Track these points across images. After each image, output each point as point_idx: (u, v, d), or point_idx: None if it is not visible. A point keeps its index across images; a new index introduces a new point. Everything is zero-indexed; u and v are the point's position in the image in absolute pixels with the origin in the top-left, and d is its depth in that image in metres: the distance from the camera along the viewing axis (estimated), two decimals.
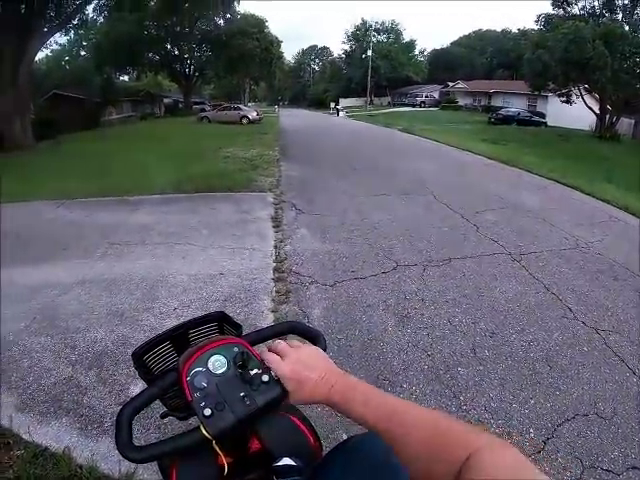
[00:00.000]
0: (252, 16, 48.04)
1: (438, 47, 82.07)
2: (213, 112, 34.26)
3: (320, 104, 68.54)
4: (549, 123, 35.73)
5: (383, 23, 74.22)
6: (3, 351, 3.32)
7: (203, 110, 39.66)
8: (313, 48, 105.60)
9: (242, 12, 47.53)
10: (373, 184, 9.10)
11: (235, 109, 32.97)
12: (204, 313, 1.19)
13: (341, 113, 46.67)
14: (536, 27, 31.07)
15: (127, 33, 37.04)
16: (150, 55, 46.04)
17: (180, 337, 1.14)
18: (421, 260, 4.99)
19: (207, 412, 0.83)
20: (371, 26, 71.57)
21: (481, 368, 3.18)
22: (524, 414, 2.75)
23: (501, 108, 39.06)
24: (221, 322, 1.18)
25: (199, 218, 6.54)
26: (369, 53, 60.44)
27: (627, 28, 24.38)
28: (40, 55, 38.91)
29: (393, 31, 74.62)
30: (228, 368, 0.90)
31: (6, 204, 7.48)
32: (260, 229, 6.05)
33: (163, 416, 1.11)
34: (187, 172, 9.90)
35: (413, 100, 60.63)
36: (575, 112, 31.00)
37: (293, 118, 39.62)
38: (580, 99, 28.38)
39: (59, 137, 22.23)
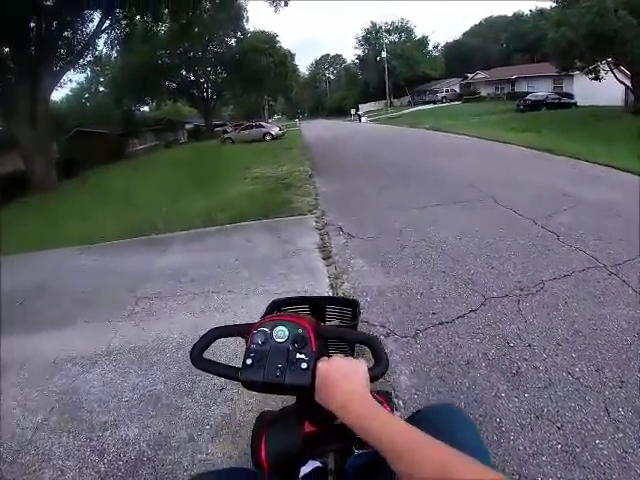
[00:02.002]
0: (262, 32, 48.05)
1: (451, 40, 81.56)
2: (235, 132, 33.97)
3: (339, 112, 69.10)
4: (579, 103, 34.04)
5: (393, 23, 73.48)
6: (22, 455, 2.68)
7: (225, 132, 39.73)
8: (326, 57, 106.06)
9: (252, 29, 47.67)
10: (418, 193, 8.20)
11: (257, 127, 32.69)
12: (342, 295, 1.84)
13: (363, 119, 46.17)
14: (554, 4, 29.38)
15: (141, 64, 37.41)
16: (167, 84, 46.56)
17: (318, 307, 1.42)
18: (511, 288, 4.03)
19: (249, 361, 0.98)
20: (381, 27, 70.89)
21: (621, 435, 2.30)
22: None
23: (527, 94, 37.28)
24: (355, 309, 1.42)
25: (236, 254, 5.75)
26: (383, 54, 59.87)
27: None
28: (60, 95, 39.77)
29: (404, 30, 73.61)
30: (285, 341, 1.00)
31: (22, 253, 7.08)
32: (308, 263, 5.20)
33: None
34: (217, 199, 9.27)
35: (434, 97, 59.60)
36: (603, 88, 29.28)
37: (315, 129, 39.17)
38: (609, 74, 26.56)
39: (84, 174, 22.32)
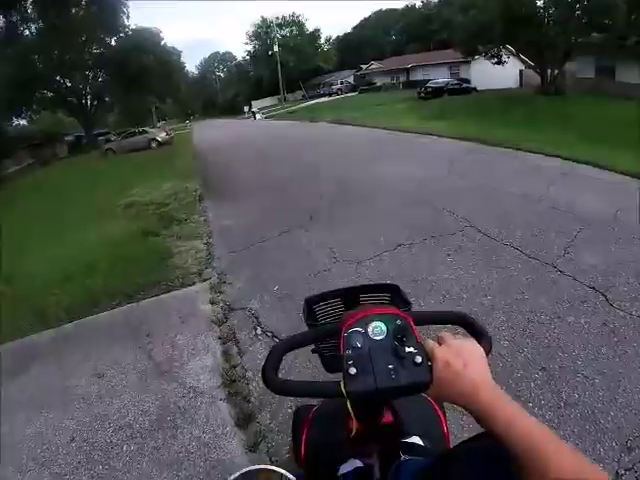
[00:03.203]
0: (146, 30, 43.08)
1: (342, 34, 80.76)
2: (117, 142, 29.74)
3: (232, 110, 67.75)
4: (477, 88, 34.17)
5: (284, 17, 70.96)
6: None
7: (109, 141, 34.85)
8: (215, 55, 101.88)
9: (134, 27, 42.43)
10: (364, 222, 5.80)
11: (141, 133, 28.79)
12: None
13: (258, 115, 44.11)
14: None
15: (9, 72, 31.78)
16: (42, 92, 40.58)
17: (351, 298, 1.21)
18: None
19: (352, 371, 0.83)
20: (272, 22, 67.75)
21: None
22: None
23: (424, 81, 36.97)
24: (393, 294, 1.21)
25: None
26: (275, 49, 56.96)
27: None
28: None
29: (295, 23, 71.27)
30: (385, 337, 0.87)
31: None
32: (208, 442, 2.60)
33: (314, 351, 1.16)
34: (65, 255, 6.28)
35: (329, 89, 57.77)
36: (497, 73, 30.18)
37: (207, 131, 36.23)
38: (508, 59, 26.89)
39: None
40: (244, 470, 0.89)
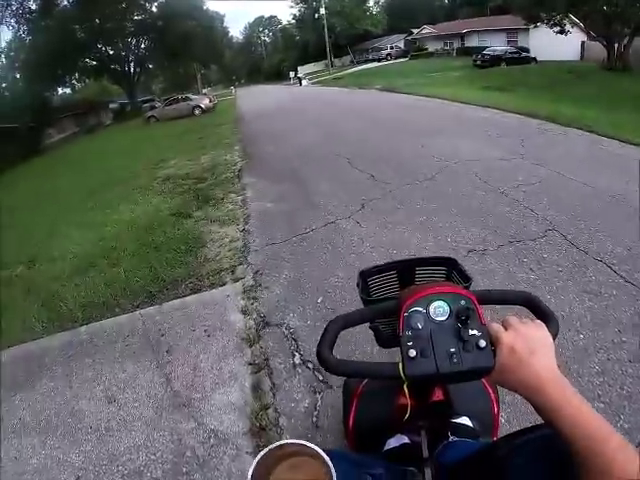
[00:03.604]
0: None
1: None
2: (160, 109, 29.41)
3: (278, 76, 67.06)
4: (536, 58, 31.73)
5: None
6: None
7: (153, 108, 34.64)
8: (260, 19, 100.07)
9: None
10: (432, 217, 4.81)
11: (184, 100, 28.32)
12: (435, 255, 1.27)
13: (304, 81, 42.71)
14: None
15: (53, 42, 31.77)
16: (85, 61, 40.65)
17: (406, 271, 1.20)
18: None
19: (412, 353, 0.80)
20: None
21: None
22: None
23: (480, 48, 34.87)
24: (451, 269, 1.18)
25: None
26: (322, 11, 55.18)
27: None
28: None
29: None
30: (447, 318, 0.83)
31: None
32: None
33: (371, 328, 1.17)
34: (91, 250, 5.68)
35: (378, 54, 55.98)
36: (558, 43, 28.10)
37: (252, 97, 35.10)
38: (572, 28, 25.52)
39: None
40: (272, 446, 0.72)
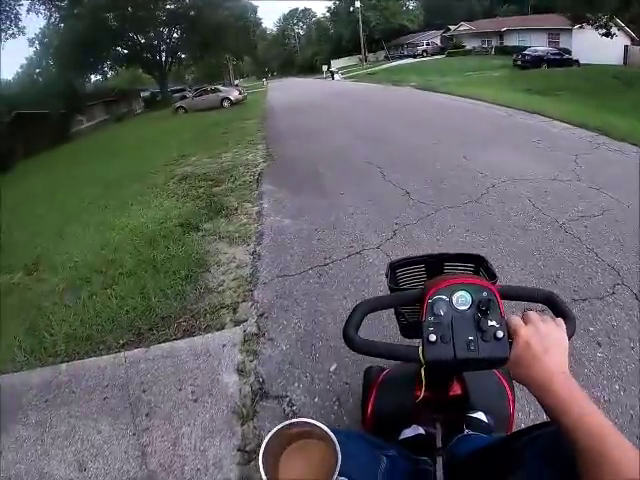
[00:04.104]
0: None
1: None
2: (189, 100, 29.04)
3: (311, 69, 66.73)
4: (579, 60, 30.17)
5: None
6: None
7: (184, 98, 34.36)
8: (295, 12, 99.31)
9: None
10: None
11: (213, 92, 27.99)
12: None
13: (336, 76, 42.05)
14: None
15: (84, 30, 31.84)
16: (117, 49, 40.77)
17: (435, 265, 1.23)
18: None
19: (432, 338, 0.84)
20: None
21: None
22: None
23: (518, 48, 33.90)
24: (478, 266, 1.24)
25: None
26: (357, 4, 54.26)
27: None
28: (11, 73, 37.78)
29: None
30: (469, 308, 0.87)
31: None
32: None
33: (396, 313, 1.25)
34: (90, 263, 5.11)
35: (413, 50, 54.52)
36: (601, 46, 27.33)
37: (282, 91, 34.53)
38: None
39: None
40: (282, 425, 0.76)
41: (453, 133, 9.36)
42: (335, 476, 0.67)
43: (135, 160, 11.74)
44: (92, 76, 45.25)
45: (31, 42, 36.63)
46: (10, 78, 45.39)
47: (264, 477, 0.69)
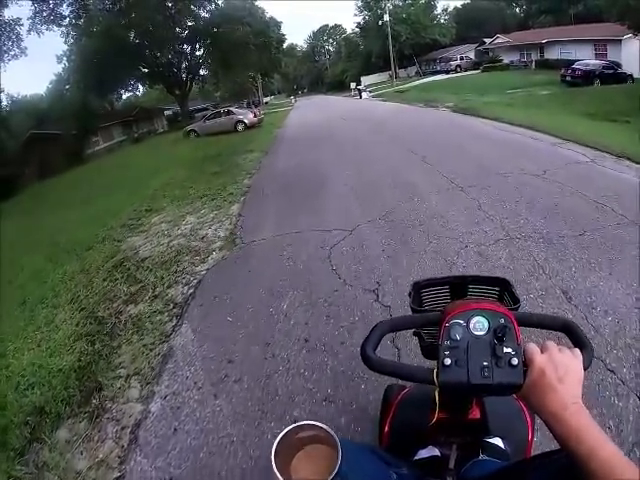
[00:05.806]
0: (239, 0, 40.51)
1: (460, 5, 72.06)
2: (200, 123, 26.87)
3: (341, 86, 65.79)
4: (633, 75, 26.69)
5: None
6: None
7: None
8: (325, 28, 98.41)
9: None
10: None
11: (226, 114, 25.92)
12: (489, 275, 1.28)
13: (364, 94, 39.45)
14: None
15: (100, 48, 30.84)
16: (138, 68, 39.46)
17: (459, 287, 1.24)
18: None
19: (447, 361, 0.84)
20: None
21: None
22: None
23: (562, 62, 30.63)
24: (503, 289, 1.21)
25: None
26: (386, 18, 51.83)
27: None
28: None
29: None
30: (486, 334, 0.87)
31: None
32: None
33: (415, 334, 1.23)
34: None
35: (446, 66, 51.44)
36: None
37: (306, 110, 33.05)
38: None
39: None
40: (292, 426, 0.77)
41: (511, 190, 6.07)
42: (333, 475, 0.68)
43: (90, 216, 9.53)
44: (123, 94, 45.03)
45: (59, 59, 36.36)
46: (42, 93, 46.37)
47: (280, 477, 0.70)
